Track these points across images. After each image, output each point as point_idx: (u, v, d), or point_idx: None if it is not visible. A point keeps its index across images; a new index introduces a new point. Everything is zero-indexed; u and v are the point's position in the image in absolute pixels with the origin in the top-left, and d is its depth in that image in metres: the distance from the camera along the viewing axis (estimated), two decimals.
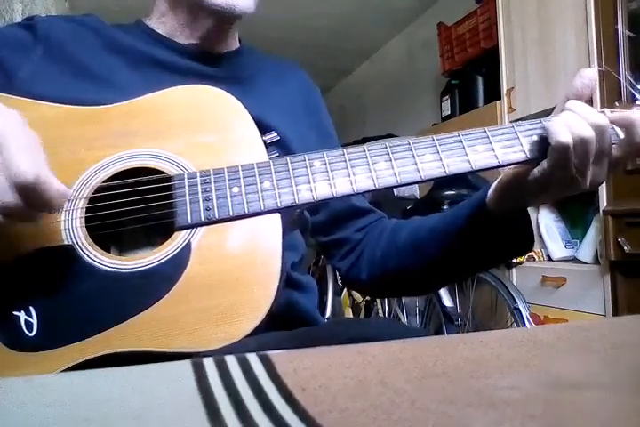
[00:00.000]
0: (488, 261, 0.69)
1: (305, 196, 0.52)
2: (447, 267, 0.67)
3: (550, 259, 2.09)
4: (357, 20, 3.43)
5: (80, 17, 0.71)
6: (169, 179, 0.53)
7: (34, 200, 0.44)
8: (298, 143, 0.67)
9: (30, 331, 0.47)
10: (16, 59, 0.63)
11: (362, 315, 2.52)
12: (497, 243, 0.62)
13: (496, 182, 0.60)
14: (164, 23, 0.71)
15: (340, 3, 3.18)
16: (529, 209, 0.62)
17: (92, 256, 0.50)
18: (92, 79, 0.63)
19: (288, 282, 0.62)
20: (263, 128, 0.57)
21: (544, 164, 0.53)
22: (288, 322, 0.57)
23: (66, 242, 0.51)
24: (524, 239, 0.63)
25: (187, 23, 0.70)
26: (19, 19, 1.75)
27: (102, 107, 0.58)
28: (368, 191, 0.53)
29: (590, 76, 0.54)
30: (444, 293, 2.08)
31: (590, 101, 1.94)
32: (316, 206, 0.72)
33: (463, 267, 0.68)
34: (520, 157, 0.54)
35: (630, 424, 0.22)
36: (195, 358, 0.31)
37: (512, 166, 0.57)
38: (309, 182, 0.52)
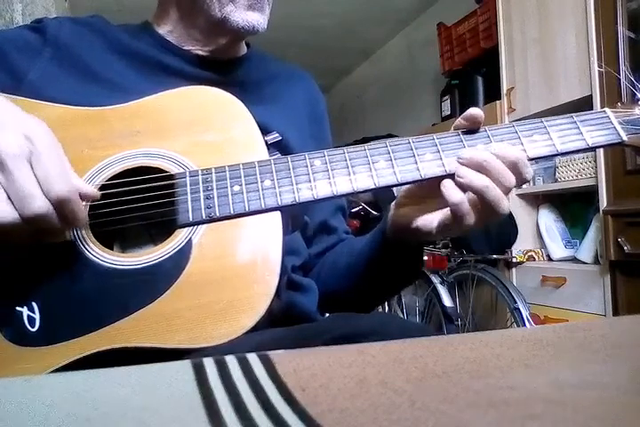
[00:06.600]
0: (393, 288, 0.73)
1: (305, 194, 0.52)
2: (368, 291, 0.70)
3: (550, 259, 2.09)
4: (357, 20, 3.44)
5: (86, 18, 0.71)
6: (171, 177, 0.54)
7: (67, 212, 0.45)
8: (298, 148, 0.67)
9: (33, 326, 0.48)
10: (25, 61, 0.63)
11: None
12: (395, 271, 0.65)
13: (393, 220, 0.60)
14: (172, 32, 0.71)
15: (340, 3, 3.18)
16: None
17: (94, 253, 0.51)
18: (98, 82, 0.63)
19: (289, 284, 0.62)
20: (266, 131, 0.57)
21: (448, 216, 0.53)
22: (289, 323, 0.57)
23: (69, 238, 0.51)
24: (414, 271, 0.67)
25: (200, 38, 0.70)
26: (19, 18, 1.74)
27: (106, 107, 0.58)
28: (368, 190, 0.53)
29: (476, 119, 0.54)
30: (444, 293, 2.08)
31: (590, 103, 1.93)
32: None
33: (378, 292, 0.71)
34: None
35: (631, 424, 0.22)
36: (195, 357, 0.31)
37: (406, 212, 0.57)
38: (310, 181, 0.53)
